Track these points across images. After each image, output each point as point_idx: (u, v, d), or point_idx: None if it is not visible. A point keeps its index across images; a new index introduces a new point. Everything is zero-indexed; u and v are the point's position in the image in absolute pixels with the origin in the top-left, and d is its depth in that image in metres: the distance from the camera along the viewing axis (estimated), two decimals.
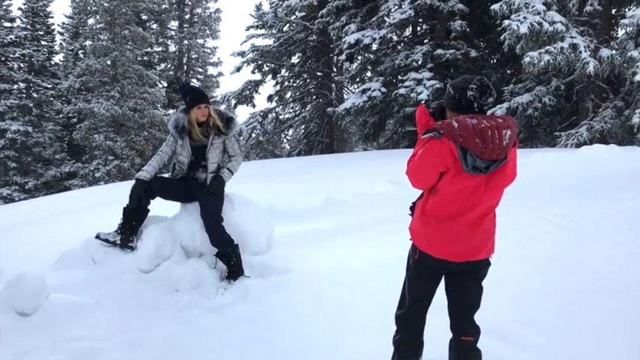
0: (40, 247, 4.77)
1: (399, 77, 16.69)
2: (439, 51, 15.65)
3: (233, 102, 21.17)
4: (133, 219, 4.29)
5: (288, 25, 22.07)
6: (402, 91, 15.19)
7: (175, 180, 4.53)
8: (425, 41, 17.45)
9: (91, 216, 6.05)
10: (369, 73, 19.94)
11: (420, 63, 16.03)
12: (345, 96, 20.89)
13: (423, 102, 15.19)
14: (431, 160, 2.45)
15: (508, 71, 18.47)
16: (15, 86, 27.86)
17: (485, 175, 2.43)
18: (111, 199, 5.57)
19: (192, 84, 4.85)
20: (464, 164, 2.37)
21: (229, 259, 4.33)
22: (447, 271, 2.69)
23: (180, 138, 4.41)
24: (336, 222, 5.75)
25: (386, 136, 22.36)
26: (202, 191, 4.42)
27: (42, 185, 26.63)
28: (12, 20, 28.33)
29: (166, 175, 4.70)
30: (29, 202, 13.38)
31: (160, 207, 4.57)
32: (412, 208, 2.78)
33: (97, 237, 4.23)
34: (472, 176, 2.41)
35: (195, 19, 34.67)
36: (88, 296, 3.82)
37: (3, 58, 27.37)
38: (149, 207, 4.42)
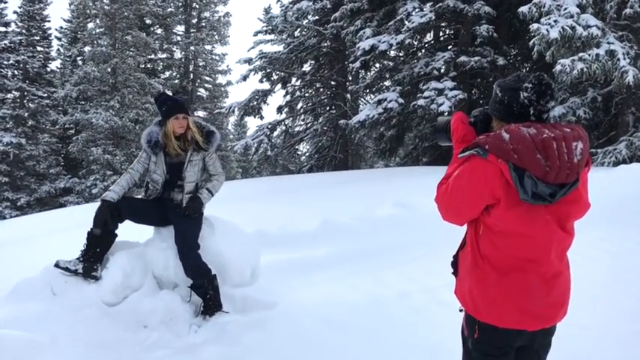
0: None
1: (419, 87, 16.34)
2: (463, 58, 15.43)
3: (239, 113, 21.10)
4: (98, 245, 4.15)
5: (299, 29, 21.94)
6: (421, 102, 14.92)
7: (147, 201, 4.41)
8: (447, 47, 17.27)
9: (58, 240, 5.96)
10: (386, 82, 19.71)
11: (441, 71, 15.81)
12: (361, 107, 20.71)
13: (446, 114, 15.01)
14: (471, 185, 2.00)
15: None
16: (9, 95, 28.37)
17: (551, 204, 1.96)
18: (82, 222, 5.44)
19: (168, 93, 4.69)
20: (520, 191, 1.90)
21: (205, 291, 4.17)
22: (519, 345, 2.15)
23: (154, 154, 4.30)
24: (332, 249, 5.59)
25: (406, 151, 22.12)
26: (177, 214, 4.28)
27: (35, 202, 26.95)
28: (6, 24, 28.79)
29: (139, 196, 4.57)
30: (0, 224, 13.42)
31: (130, 231, 4.43)
32: (455, 264, 2.30)
33: (57, 265, 4.08)
34: (534, 207, 1.94)
35: (203, 24, 34.99)
36: (42, 333, 3.66)
37: None
38: (117, 231, 4.27)
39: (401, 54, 18.48)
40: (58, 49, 33.88)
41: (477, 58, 15.31)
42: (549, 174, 1.87)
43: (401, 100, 16.11)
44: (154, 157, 4.30)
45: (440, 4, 15.38)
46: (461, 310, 2.25)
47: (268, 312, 4.12)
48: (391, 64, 18.64)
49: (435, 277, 4.39)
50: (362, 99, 22.19)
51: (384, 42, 16.20)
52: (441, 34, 18.82)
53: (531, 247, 2.01)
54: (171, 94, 5.21)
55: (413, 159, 20.62)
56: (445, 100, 14.71)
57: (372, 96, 20.13)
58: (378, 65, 19.43)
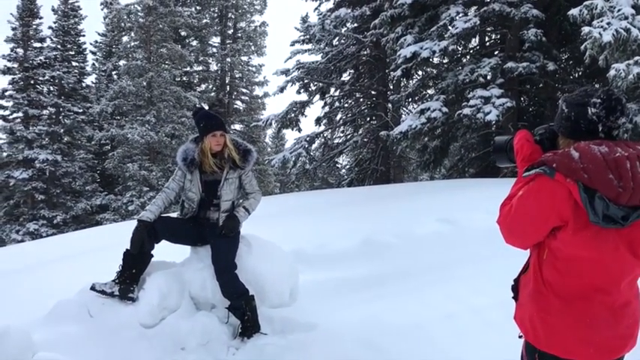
0: (33, 296, 4.79)
1: (464, 95, 16.22)
2: (510, 64, 15.21)
3: (276, 126, 21.22)
4: (134, 266, 4.25)
5: (337, 38, 21.81)
6: (466, 111, 14.70)
7: (184, 220, 4.51)
8: (494, 53, 17.09)
9: (94, 260, 6.12)
10: (429, 91, 19.58)
11: (487, 78, 15.60)
12: (403, 117, 20.47)
13: (493, 123, 14.80)
14: (537, 206, 1.96)
15: (596, 86, 17.84)
16: (44, 112, 29.06)
17: (623, 228, 1.89)
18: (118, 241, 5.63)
19: (206, 109, 4.82)
20: (590, 213, 1.84)
21: (243, 312, 4.23)
22: None
23: (189, 172, 4.38)
24: (373, 269, 5.57)
25: (452, 162, 21.90)
26: (214, 233, 4.36)
27: (71, 219, 27.54)
28: (42, 40, 29.72)
29: (174, 215, 4.67)
30: (36, 243, 13.73)
31: (166, 251, 4.52)
32: (515, 288, 2.27)
33: (93, 288, 4.19)
34: (603, 231, 1.88)
35: (239, 34, 35.55)
36: (80, 356, 3.77)
37: (32, 82, 28.63)
38: (153, 252, 4.37)
39: (444, 61, 18.23)
40: (93, 64, 34.86)
41: (525, 64, 15.06)
42: (622, 195, 1.83)
43: (445, 109, 15.90)
44: (190, 175, 4.38)
45: (485, 8, 15.24)
46: (520, 337, 2.22)
47: (308, 334, 4.15)
48: (434, 71, 18.44)
49: (482, 296, 4.37)
50: (404, 109, 21.87)
51: (426, 49, 16.00)
52: (486, 39, 18.63)
53: (599, 274, 1.96)
54: (207, 107, 5.29)
55: (459, 171, 20.41)
56: (492, 109, 14.51)
57: (415, 105, 19.96)
58: (420, 73, 19.28)
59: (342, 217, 8.63)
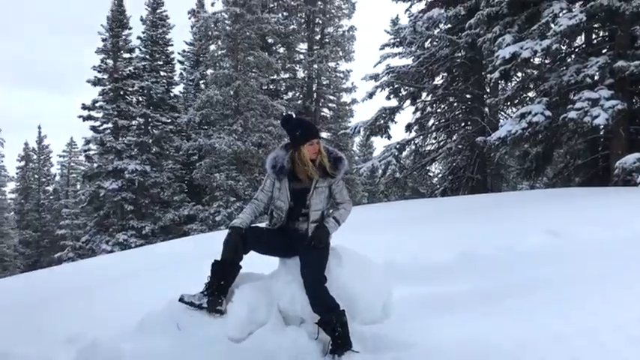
0: (123, 307, 4.94)
1: (569, 97, 15.73)
2: (621, 63, 14.47)
3: (364, 133, 21.23)
4: (223, 277, 4.30)
5: (429, 40, 21.76)
6: (572, 114, 14.12)
7: (273, 231, 4.54)
8: (602, 51, 16.40)
9: (182, 271, 6.23)
10: (530, 93, 19.09)
11: (595, 79, 14.98)
12: (501, 122, 20.07)
13: (602, 127, 14.23)
14: None
15: None
16: (133, 122, 30.30)
17: None
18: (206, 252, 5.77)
19: (297, 116, 4.85)
20: None
21: (333, 328, 4.16)
22: None
23: (278, 180, 4.42)
24: (472, 284, 5.37)
25: (555, 170, 21.27)
26: (303, 244, 4.36)
27: (159, 230, 28.55)
28: (131, 51, 31.06)
29: (263, 225, 4.70)
30: (125, 254, 14.23)
31: (254, 262, 4.55)
32: None
33: (181, 300, 4.27)
34: None
35: (327, 40, 35.98)
36: None
37: (122, 92, 29.96)
38: (241, 263, 4.42)
39: (547, 61, 17.69)
40: (181, 73, 36.23)
41: (637, 62, 14.29)
42: None
43: (548, 113, 15.47)
44: (279, 184, 4.43)
45: (592, 3, 14.60)
46: None
47: (403, 353, 4.01)
48: (535, 72, 17.99)
49: (595, 318, 4.12)
50: (502, 113, 21.56)
51: (526, 49, 15.55)
52: (593, 36, 17.93)
53: None
54: (294, 115, 5.46)
55: (564, 179, 19.77)
56: (601, 112, 13.90)
57: (514, 109, 19.61)
58: (520, 75, 18.82)
59: (437, 227, 8.47)
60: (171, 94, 32.91)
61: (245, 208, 4.57)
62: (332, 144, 31.35)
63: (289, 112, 22.50)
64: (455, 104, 22.75)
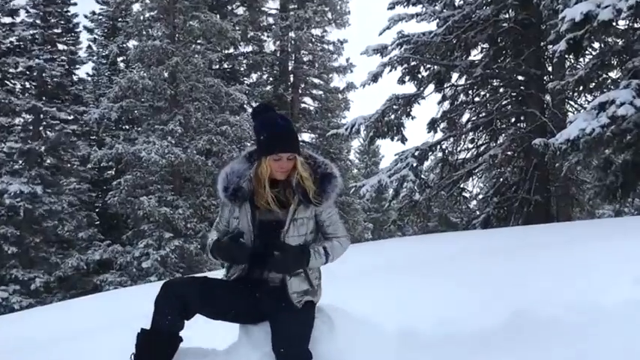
0: None
1: None
2: None
3: (366, 134, 19.07)
4: (153, 355, 3.32)
5: None
6: None
7: (228, 284, 3.57)
8: None
9: (93, 344, 5.66)
10: (611, 74, 16.72)
11: None
12: (570, 116, 17.02)
13: None
14: None
15: None
16: (17, 120, 25.46)
17: None
18: (129, 316, 5.59)
19: (276, 111, 3.53)
20: None
21: None
22: None
23: (237, 206, 3.47)
24: (531, 358, 4.18)
25: None
26: (275, 304, 3.39)
27: (57, 283, 23.86)
28: (13, 13, 25.34)
29: (220, 275, 3.71)
30: (7, 321, 12.16)
31: (202, 331, 3.84)
32: None
33: None
34: None
35: None
36: None
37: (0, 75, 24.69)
38: (181, 333, 3.43)
39: (637, 25, 15.17)
40: (89, 46, 30.90)
41: None
42: None
43: (639, 103, 13.47)
44: (237, 212, 3.52)
45: None
46: None
47: None
48: (620, 42, 15.72)
49: None
50: (571, 103, 19.23)
51: (606, 7, 13.42)
52: None
53: None
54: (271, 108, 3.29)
55: None
56: None
57: (589, 97, 17.85)
58: (597, 46, 16.57)
59: (477, 277, 6.76)
60: (75, 78, 28.27)
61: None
62: (317, 150, 26.80)
63: (264, 102, 18.98)
64: (501, 90, 19.65)
